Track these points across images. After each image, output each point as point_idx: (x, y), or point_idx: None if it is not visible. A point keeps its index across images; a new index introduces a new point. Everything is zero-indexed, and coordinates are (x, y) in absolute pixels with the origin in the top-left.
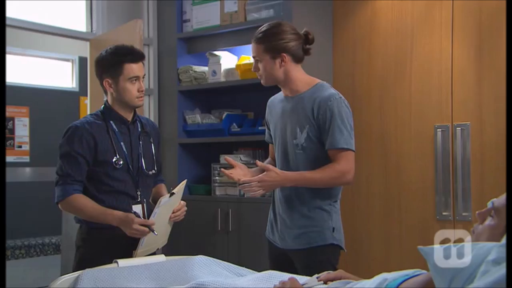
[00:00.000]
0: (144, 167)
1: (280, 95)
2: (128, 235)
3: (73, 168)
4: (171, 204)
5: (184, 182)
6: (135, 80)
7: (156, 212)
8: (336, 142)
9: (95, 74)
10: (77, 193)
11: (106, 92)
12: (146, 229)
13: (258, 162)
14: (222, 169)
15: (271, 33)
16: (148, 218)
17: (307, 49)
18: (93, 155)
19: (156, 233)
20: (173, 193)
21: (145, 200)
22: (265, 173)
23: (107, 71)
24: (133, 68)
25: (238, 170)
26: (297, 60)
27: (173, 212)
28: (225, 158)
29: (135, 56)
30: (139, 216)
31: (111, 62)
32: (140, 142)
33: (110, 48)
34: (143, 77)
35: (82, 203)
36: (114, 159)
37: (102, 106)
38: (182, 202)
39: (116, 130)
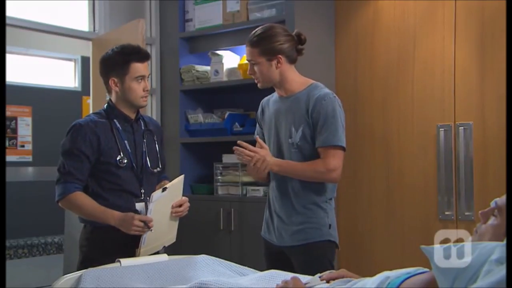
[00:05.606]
0: (149, 165)
1: (274, 96)
2: (129, 233)
3: (75, 166)
4: (166, 199)
5: (181, 177)
6: (141, 79)
7: (151, 209)
8: (329, 140)
9: (99, 73)
10: (77, 191)
11: (109, 91)
12: (145, 225)
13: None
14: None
15: (265, 36)
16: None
17: (300, 49)
18: (97, 153)
19: (152, 230)
20: (165, 188)
21: (148, 198)
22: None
23: (113, 70)
24: (139, 68)
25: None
26: (292, 61)
27: (173, 207)
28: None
29: (142, 55)
30: (139, 213)
31: (117, 61)
32: (144, 140)
33: (116, 47)
34: (148, 77)
35: (82, 201)
36: (118, 158)
37: (105, 105)
38: (184, 198)
39: (120, 128)
